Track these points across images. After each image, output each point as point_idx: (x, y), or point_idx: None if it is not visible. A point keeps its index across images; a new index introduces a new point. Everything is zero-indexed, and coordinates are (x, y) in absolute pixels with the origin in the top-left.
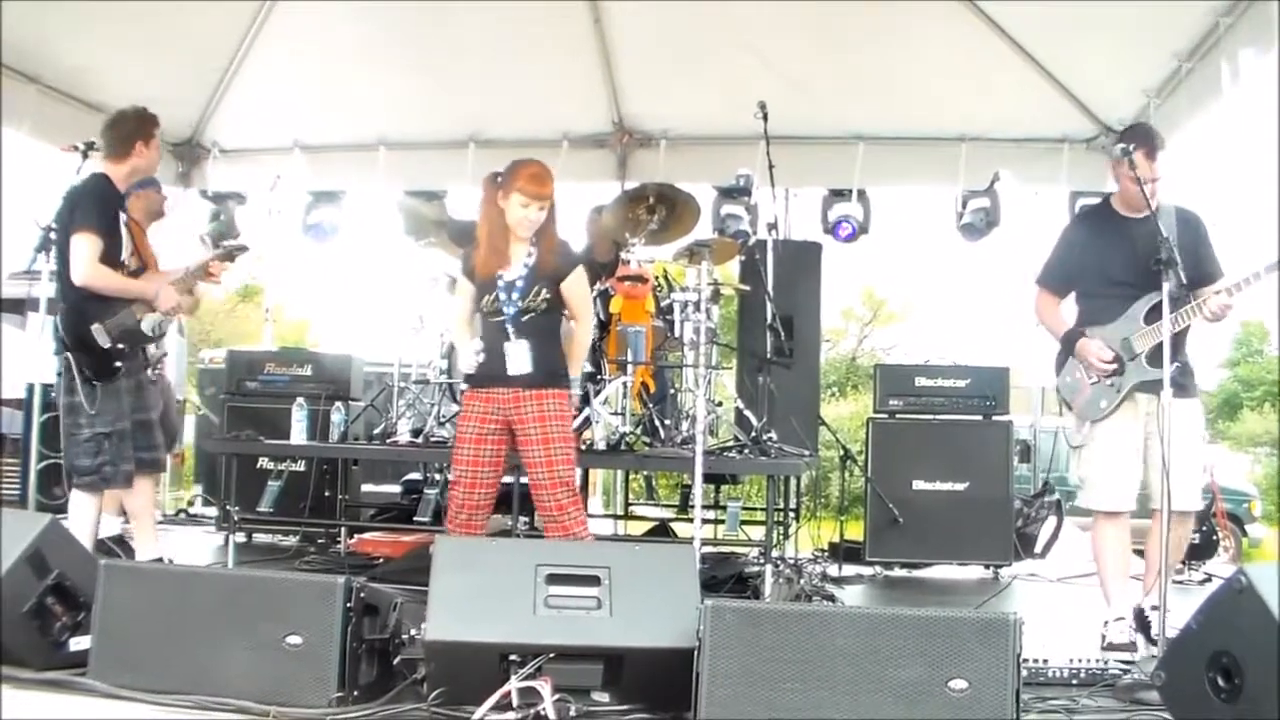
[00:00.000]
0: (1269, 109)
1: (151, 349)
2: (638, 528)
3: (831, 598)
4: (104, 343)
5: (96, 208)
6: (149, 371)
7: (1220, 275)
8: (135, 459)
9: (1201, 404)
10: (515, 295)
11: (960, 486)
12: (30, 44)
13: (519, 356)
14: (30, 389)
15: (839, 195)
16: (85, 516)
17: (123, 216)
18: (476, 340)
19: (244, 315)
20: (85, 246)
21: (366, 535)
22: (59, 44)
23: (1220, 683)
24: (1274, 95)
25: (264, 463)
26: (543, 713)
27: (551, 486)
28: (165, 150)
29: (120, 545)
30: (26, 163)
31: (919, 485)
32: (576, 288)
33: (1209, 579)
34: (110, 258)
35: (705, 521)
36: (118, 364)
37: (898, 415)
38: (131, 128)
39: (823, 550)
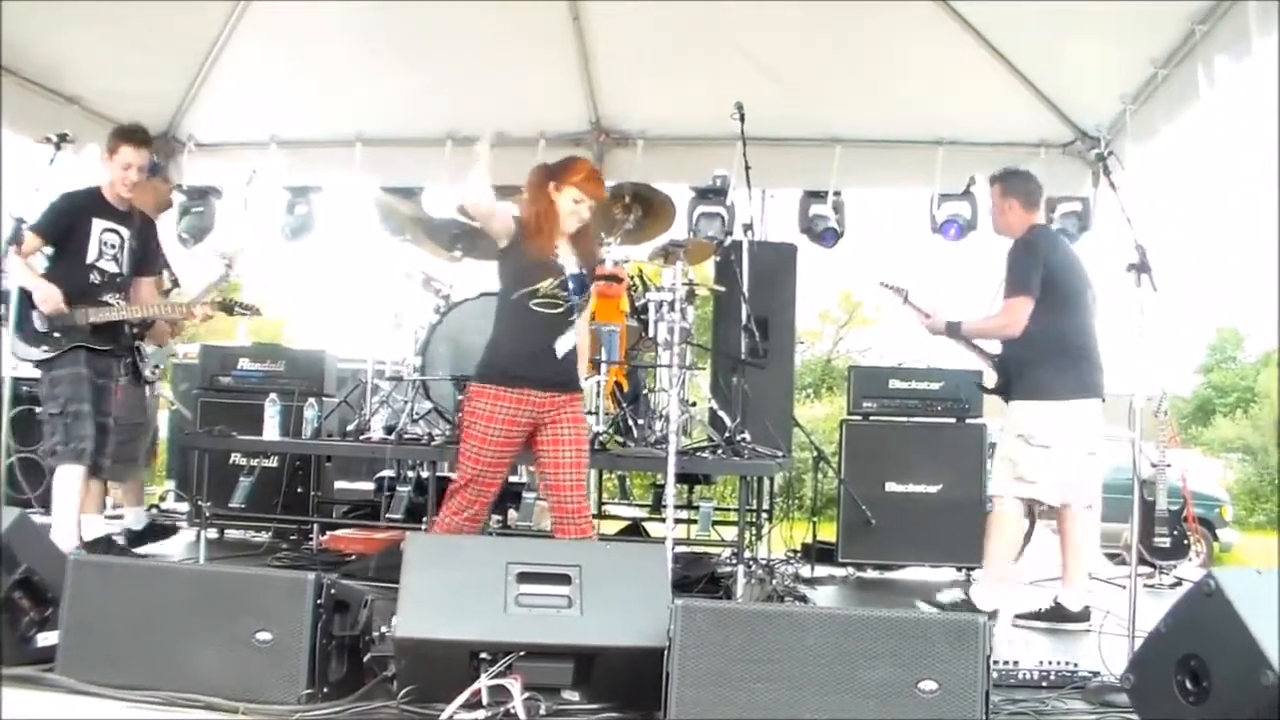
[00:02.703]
0: (1249, 114)
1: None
2: (611, 527)
3: (803, 598)
4: (39, 327)
5: (47, 212)
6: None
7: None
8: None
9: (1027, 405)
10: (573, 287)
11: (933, 489)
12: (8, 36)
13: (570, 351)
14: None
15: (816, 197)
16: (65, 494)
17: (100, 224)
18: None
19: None
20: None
21: (339, 532)
22: (37, 36)
23: (1189, 685)
24: (1268, 97)
25: (236, 459)
26: (512, 711)
27: (577, 488)
28: None
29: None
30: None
31: (892, 487)
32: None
33: (1180, 583)
34: (70, 259)
35: (678, 521)
36: (44, 347)
37: (871, 417)
38: (106, 142)
39: (795, 551)
